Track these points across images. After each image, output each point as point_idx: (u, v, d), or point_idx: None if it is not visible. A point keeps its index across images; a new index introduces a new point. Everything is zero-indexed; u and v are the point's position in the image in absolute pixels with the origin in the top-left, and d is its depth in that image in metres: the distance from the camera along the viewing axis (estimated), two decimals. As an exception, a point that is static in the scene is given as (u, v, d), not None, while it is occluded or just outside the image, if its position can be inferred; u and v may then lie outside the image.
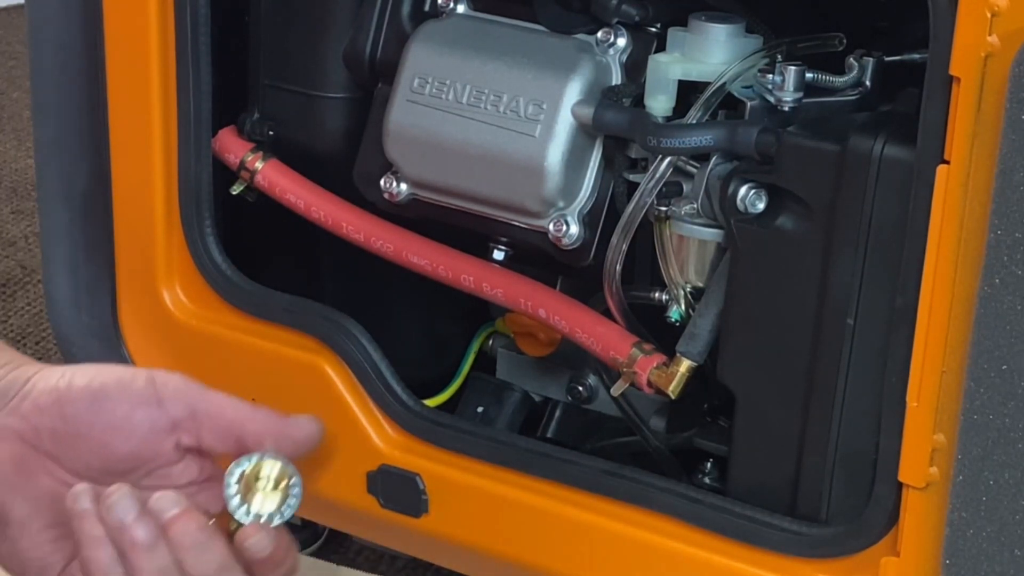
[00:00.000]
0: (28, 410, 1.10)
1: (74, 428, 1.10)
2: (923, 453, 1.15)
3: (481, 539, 1.38)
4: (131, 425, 1.10)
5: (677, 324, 1.29)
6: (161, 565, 1.04)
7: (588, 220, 1.32)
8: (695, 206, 1.26)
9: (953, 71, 1.08)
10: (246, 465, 1.08)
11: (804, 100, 1.23)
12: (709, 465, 1.39)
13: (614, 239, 1.27)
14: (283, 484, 1.08)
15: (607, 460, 1.34)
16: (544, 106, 1.29)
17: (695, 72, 1.25)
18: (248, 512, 1.07)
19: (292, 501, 1.09)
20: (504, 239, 1.37)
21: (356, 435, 1.41)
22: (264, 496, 1.08)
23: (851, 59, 1.27)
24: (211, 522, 1.07)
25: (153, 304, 1.49)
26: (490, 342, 1.56)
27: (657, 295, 1.31)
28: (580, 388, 1.47)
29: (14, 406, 1.11)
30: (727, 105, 1.26)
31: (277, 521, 1.08)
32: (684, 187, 1.27)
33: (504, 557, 1.37)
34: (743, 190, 1.22)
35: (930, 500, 1.16)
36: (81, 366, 1.12)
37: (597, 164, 1.31)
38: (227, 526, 1.08)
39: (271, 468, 1.09)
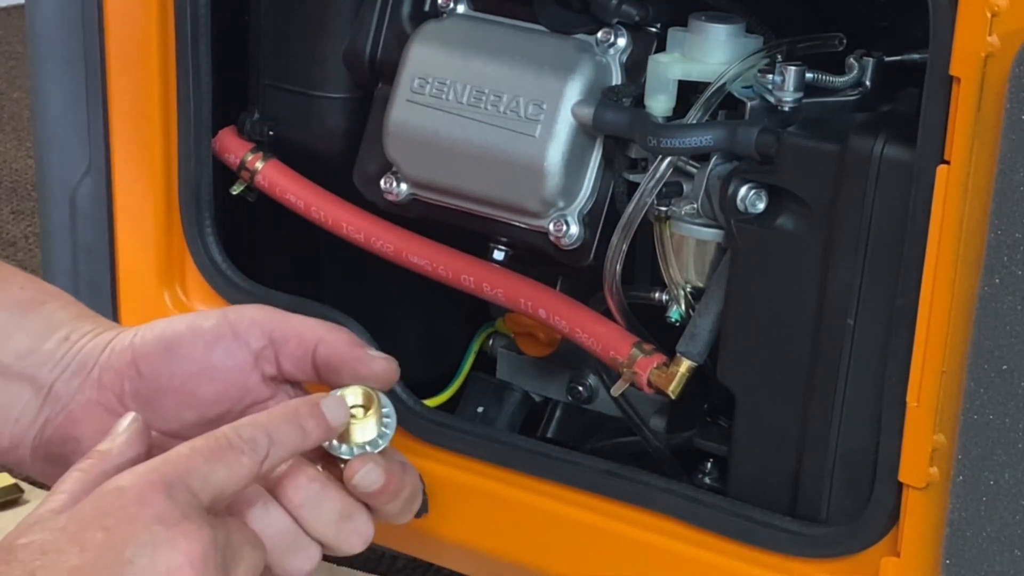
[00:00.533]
0: (109, 379, 1.07)
1: (155, 383, 1.06)
2: (923, 453, 1.15)
3: (481, 539, 1.38)
4: (211, 365, 1.07)
5: (677, 324, 1.29)
6: (279, 529, 1.00)
7: (588, 220, 1.32)
8: (695, 206, 1.26)
9: (953, 71, 1.08)
10: None
11: (804, 100, 1.23)
12: (709, 465, 1.39)
13: (614, 239, 1.27)
14: (372, 408, 1.04)
15: (607, 460, 1.34)
16: (544, 106, 1.29)
17: (695, 72, 1.25)
18: (349, 447, 1.02)
19: (388, 421, 1.04)
20: (504, 239, 1.37)
21: (356, 435, 1.40)
22: (359, 425, 1.03)
23: (851, 59, 1.27)
24: (318, 468, 1.02)
25: (153, 304, 1.49)
26: (490, 342, 1.56)
27: (657, 295, 1.31)
28: (580, 388, 1.47)
29: (95, 377, 1.07)
30: (727, 105, 1.26)
31: (382, 445, 1.03)
32: (684, 187, 1.27)
33: (504, 557, 1.37)
34: (743, 190, 1.22)
35: (930, 500, 1.16)
36: (154, 321, 1.09)
37: (597, 164, 1.31)
38: (335, 468, 1.03)
39: (355, 396, 1.04)
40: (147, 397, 1.07)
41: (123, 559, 0.90)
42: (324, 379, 1.08)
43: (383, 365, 1.08)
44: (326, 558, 1.86)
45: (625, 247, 1.27)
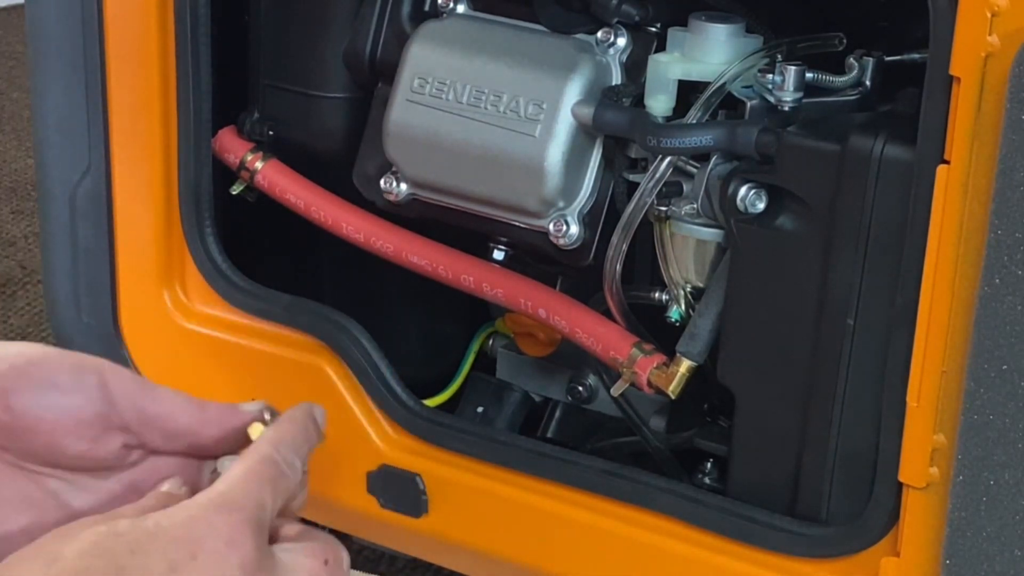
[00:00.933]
0: None
1: (22, 422, 1.03)
2: (923, 453, 1.15)
3: (481, 539, 1.38)
4: (82, 426, 1.04)
5: (677, 324, 1.29)
6: None
7: (588, 220, 1.32)
8: (695, 206, 1.26)
9: (953, 71, 1.08)
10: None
11: (804, 100, 1.23)
12: (709, 465, 1.39)
13: (614, 239, 1.27)
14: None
15: (607, 460, 1.34)
16: (544, 106, 1.29)
17: (695, 72, 1.25)
18: None
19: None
20: (504, 239, 1.37)
21: (356, 435, 1.41)
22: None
23: (851, 59, 1.27)
24: None
25: (153, 304, 1.49)
26: (490, 342, 1.56)
27: (657, 295, 1.31)
28: (580, 388, 1.47)
29: None
30: (727, 105, 1.26)
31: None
32: (684, 187, 1.27)
33: (504, 557, 1.37)
34: (743, 190, 1.22)
35: (930, 500, 1.16)
36: (15, 346, 1.05)
37: (597, 164, 1.31)
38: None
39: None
40: (11, 430, 1.04)
41: None
42: (204, 451, 1.08)
43: (260, 411, 1.07)
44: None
45: (625, 247, 1.27)
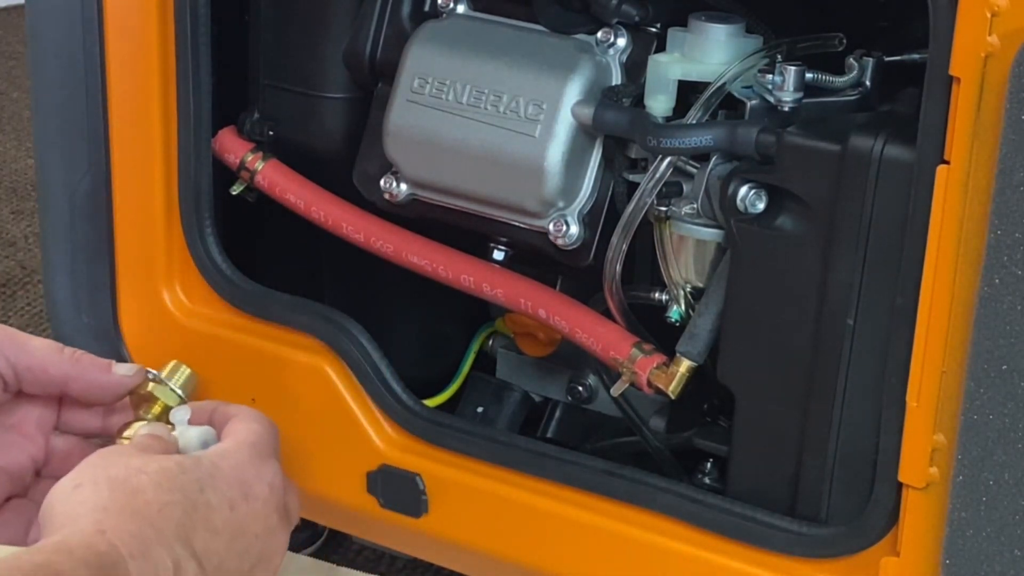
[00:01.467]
0: None
1: None
2: (923, 453, 1.15)
3: (481, 539, 1.38)
4: None
5: (677, 324, 1.29)
6: None
7: (588, 220, 1.32)
8: (695, 206, 1.26)
9: (953, 71, 1.08)
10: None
11: (804, 100, 1.23)
12: (709, 465, 1.39)
13: (614, 239, 1.27)
14: (160, 386, 1.20)
15: (607, 460, 1.34)
16: (544, 106, 1.29)
17: (695, 72, 1.25)
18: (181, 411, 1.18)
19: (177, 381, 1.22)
20: (504, 239, 1.37)
21: (356, 435, 1.40)
22: (165, 397, 1.20)
23: (851, 59, 1.27)
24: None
25: (153, 304, 1.49)
26: (490, 342, 1.56)
27: (657, 295, 1.31)
28: (580, 388, 1.47)
29: None
30: (727, 105, 1.26)
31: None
32: (684, 187, 1.27)
33: (504, 557, 1.37)
34: (743, 190, 1.22)
35: (930, 500, 1.16)
36: None
37: (597, 164, 1.31)
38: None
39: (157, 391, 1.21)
40: None
41: (252, 533, 1.08)
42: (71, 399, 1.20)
43: (130, 375, 1.20)
44: (327, 557, 1.87)
45: (625, 247, 1.27)
